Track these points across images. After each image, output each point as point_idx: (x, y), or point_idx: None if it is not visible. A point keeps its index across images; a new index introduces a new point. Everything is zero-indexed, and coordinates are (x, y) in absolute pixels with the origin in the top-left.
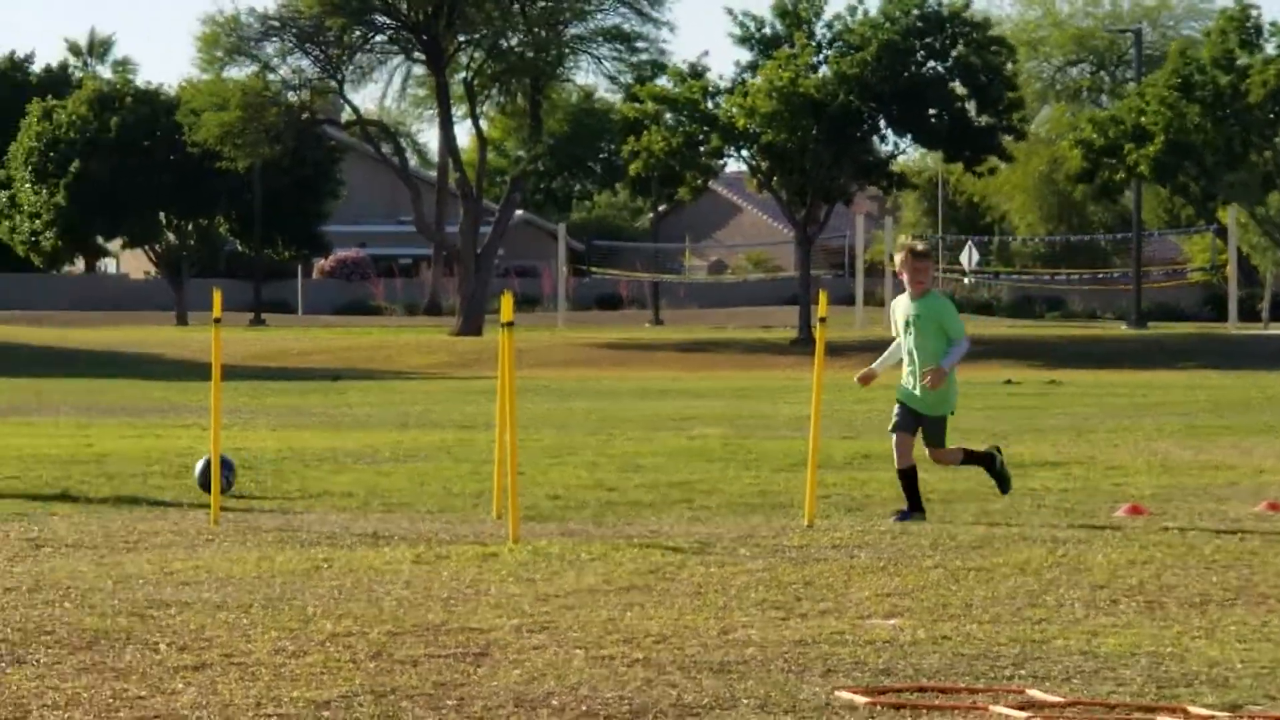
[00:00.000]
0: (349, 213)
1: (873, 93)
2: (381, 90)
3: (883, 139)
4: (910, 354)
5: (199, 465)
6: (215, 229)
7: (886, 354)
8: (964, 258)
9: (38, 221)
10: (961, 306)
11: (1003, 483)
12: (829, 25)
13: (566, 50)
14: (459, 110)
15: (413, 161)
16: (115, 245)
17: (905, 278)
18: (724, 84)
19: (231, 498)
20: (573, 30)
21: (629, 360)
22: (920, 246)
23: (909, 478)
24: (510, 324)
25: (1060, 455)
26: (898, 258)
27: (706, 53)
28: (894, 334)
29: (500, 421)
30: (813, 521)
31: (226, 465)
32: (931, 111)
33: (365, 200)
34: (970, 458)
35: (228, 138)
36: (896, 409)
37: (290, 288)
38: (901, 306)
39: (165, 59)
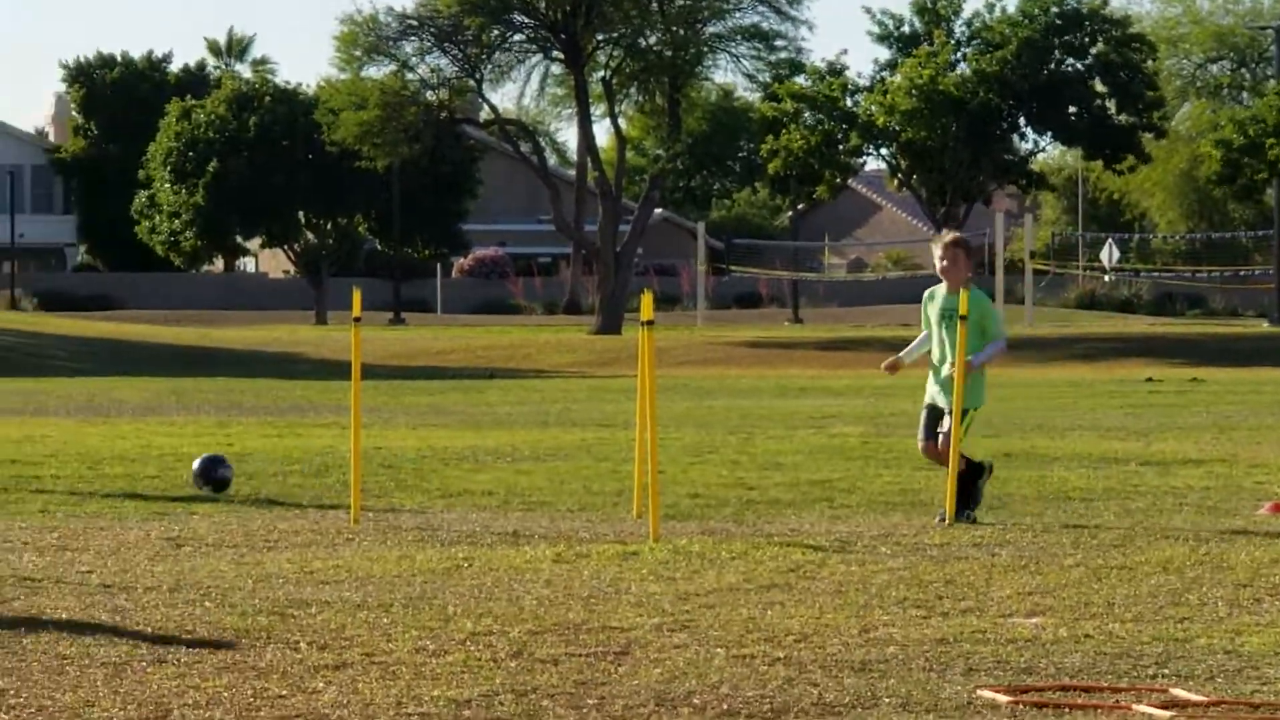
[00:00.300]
0: (488, 211)
1: (1012, 90)
2: (520, 89)
3: (1022, 137)
4: (942, 346)
5: (197, 463)
6: (354, 228)
7: (915, 344)
8: (1104, 255)
9: (177, 221)
10: (1102, 304)
11: (969, 500)
12: (968, 23)
13: (705, 49)
14: (598, 109)
15: (551, 160)
16: (254, 244)
17: (942, 269)
18: (863, 82)
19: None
20: (711, 29)
21: (768, 359)
22: (955, 236)
23: (960, 477)
24: (650, 322)
25: (1202, 453)
26: (936, 249)
27: (845, 51)
28: (924, 326)
29: (640, 420)
30: (954, 520)
31: (219, 463)
32: (1071, 109)
33: (504, 199)
34: (967, 468)
35: (366, 137)
36: (922, 415)
37: (429, 287)
38: (937, 299)
39: (303, 58)
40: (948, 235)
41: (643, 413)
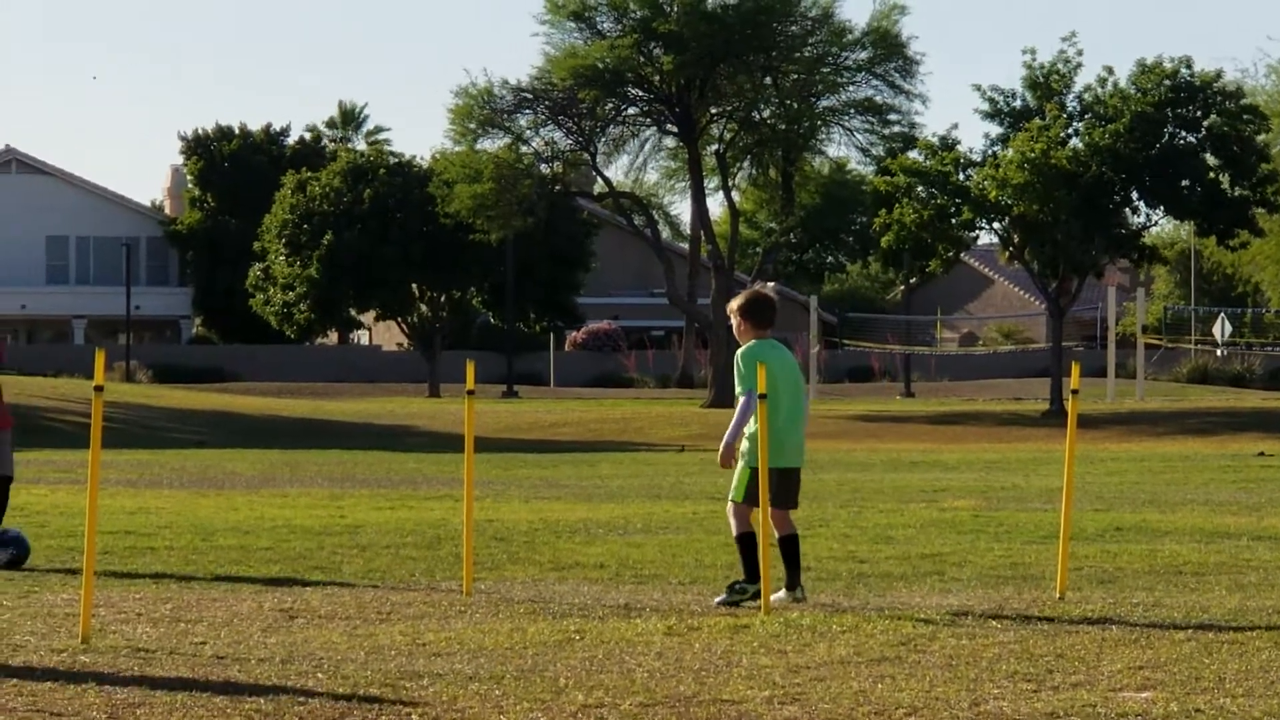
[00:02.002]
0: (601, 284)
1: (1125, 164)
2: (634, 162)
3: (1134, 211)
4: None
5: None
6: (468, 301)
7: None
8: (1216, 329)
9: (291, 293)
10: (1214, 378)
11: (737, 590)
12: (1079, 96)
13: (819, 122)
14: (711, 182)
15: (665, 233)
16: (368, 317)
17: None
18: (975, 157)
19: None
20: (825, 102)
21: (880, 432)
22: (735, 303)
23: (741, 543)
24: (764, 396)
25: None
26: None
27: (955, 125)
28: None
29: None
30: (1064, 594)
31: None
32: (1184, 183)
33: (617, 272)
34: (743, 546)
35: (480, 209)
36: None
37: (542, 360)
38: None
39: (417, 129)
40: (732, 302)
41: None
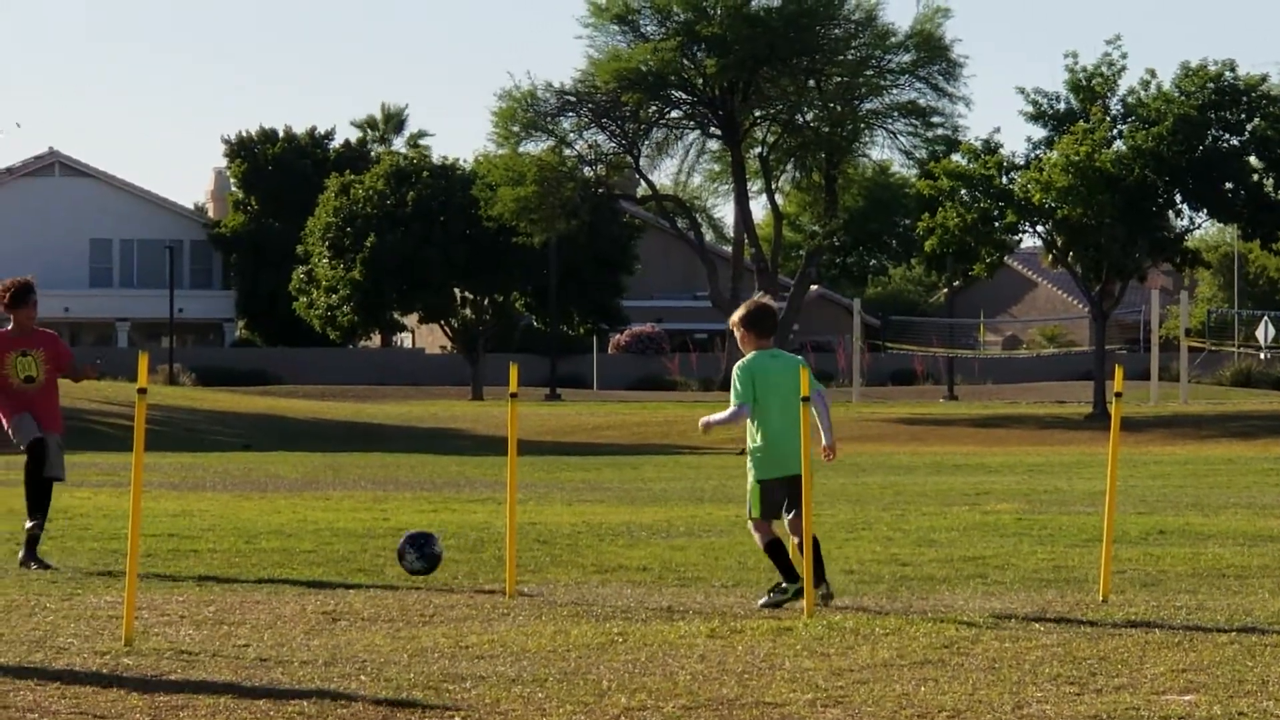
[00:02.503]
0: (644, 287)
1: (1168, 167)
2: (677, 165)
3: (1178, 214)
4: None
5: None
6: (511, 304)
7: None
8: (1260, 333)
9: (334, 296)
10: (1258, 381)
11: (780, 591)
12: (1123, 99)
13: (862, 125)
14: (754, 185)
15: (708, 236)
16: (411, 320)
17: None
18: (1018, 160)
19: (527, 571)
20: (868, 105)
21: (923, 435)
22: (737, 315)
23: (770, 551)
24: (806, 399)
25: None
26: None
27: (998, 129)
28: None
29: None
30: (1107, 596)
31: (427, 539)
32: (1227, 186)
33: (661, 275)
34: (772, 554)
35: (524, 212)
36: None
37: (586, 362)
38: None
39: (460, 132)
40: (733, 314)
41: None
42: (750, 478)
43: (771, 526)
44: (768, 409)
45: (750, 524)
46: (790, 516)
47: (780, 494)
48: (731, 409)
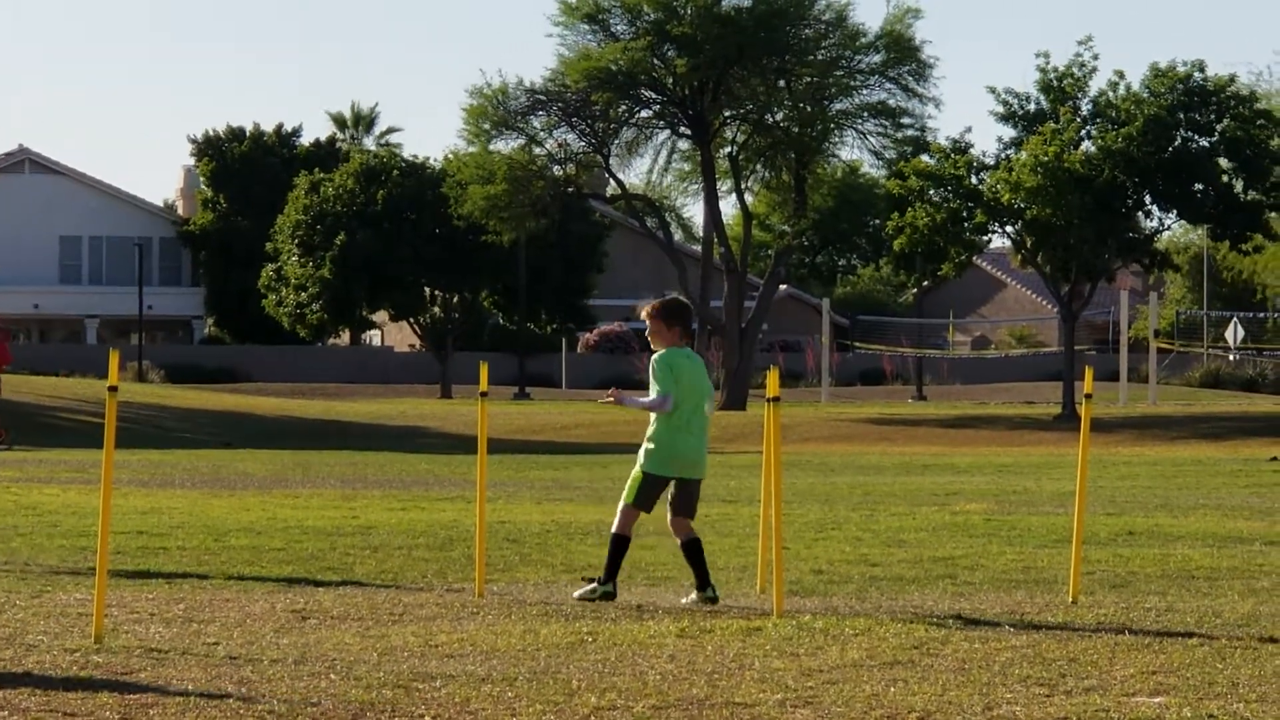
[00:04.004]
0: (613, 286)
1: (1137, 168)
2: (647, 164)
3: (1147, 215)
4: None
5: None
6: (480, 302)
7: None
8: (1229, 334)
9: (304, 294)
10: (1226, 383)
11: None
12: (1093, 100)
13: (832, 126)
14: (724, 185)
15: (677, 236)
16: (380, 318)
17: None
18: (988, 160)
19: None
20: (838, 105)
21: (892, 435)
22: (649, 307)
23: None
24: (776, 399)
25: None
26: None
27: (969, 129)
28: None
29: (765, 496)
30: (1077, 598)
31: None
32: (1197, 187)
33: (630, 274)
34: (614, 546)
35: (493, 211)
36: None
37: (554, 361)
38: None
39: (430, 130)
40: (645, 306)
41: (767, 489)
42: (638, 467)
43: (634, 523)
44: (678, 407)
45: (621, 508)
46: (678, 517)
47: (660, 491)
48: (655, 397)
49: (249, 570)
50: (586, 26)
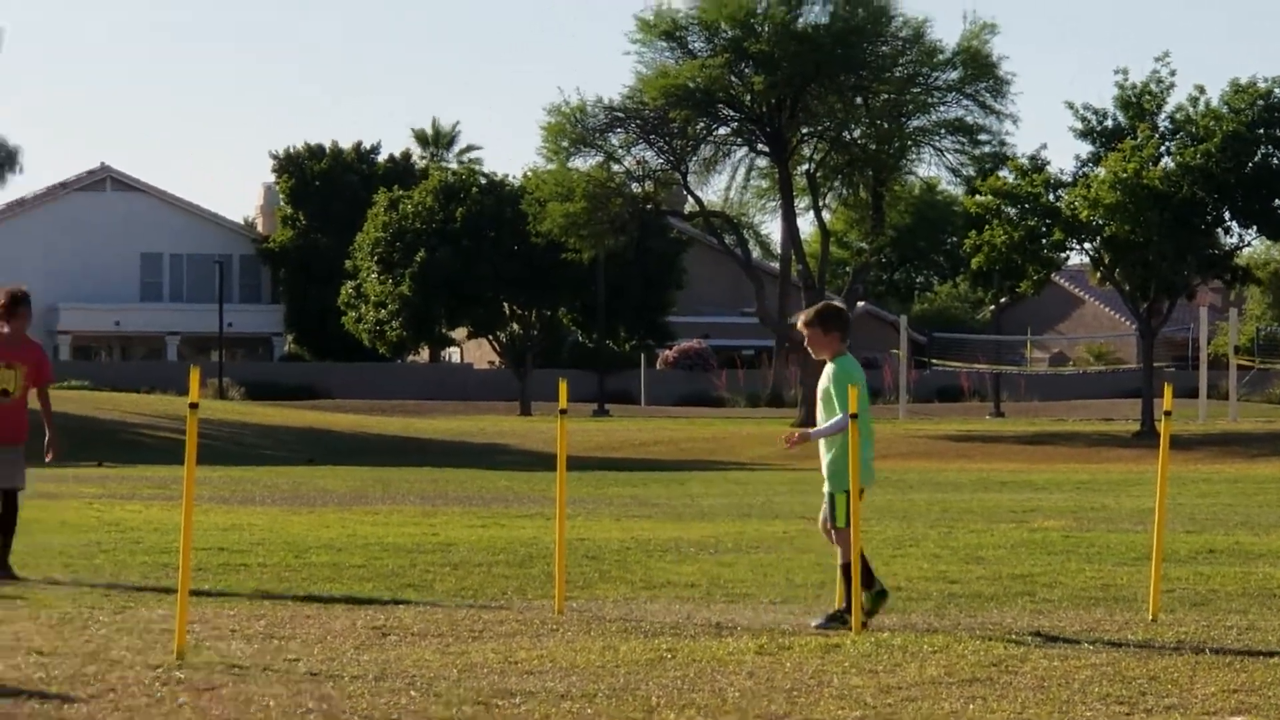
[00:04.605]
0: (692, 303)
1: (1216, 184)
2: (725, 181)
3: (1227, 231)
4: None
5: None
6: (559, 319)
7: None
8: None
9: (383, 311)
10: None
11: (856, 612)
12: (1171, 116)
13: (909, 142)
14: (801, 202)
15: (755, 253)
16: (459, 335)
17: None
18: (1065, 177)
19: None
20: (915, 122)
21: (970, 452)
22: (805, 316)
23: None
24: (854, 416)
25: None
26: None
27: (1044, 145)
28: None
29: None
30: (1157, 615)
31: None
32: (1277, 202)
33: (708, 291)
34: (863, 570)
35: (572, 228)
36: None
37: (633, 378)
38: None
39: (509, 147)
40: (801, 315)
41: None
42: (837, 486)
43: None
44: (864, 417)
45: (835, 535)
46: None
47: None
48: (838, 419)
49: (329, 587)
50: (664, 44)
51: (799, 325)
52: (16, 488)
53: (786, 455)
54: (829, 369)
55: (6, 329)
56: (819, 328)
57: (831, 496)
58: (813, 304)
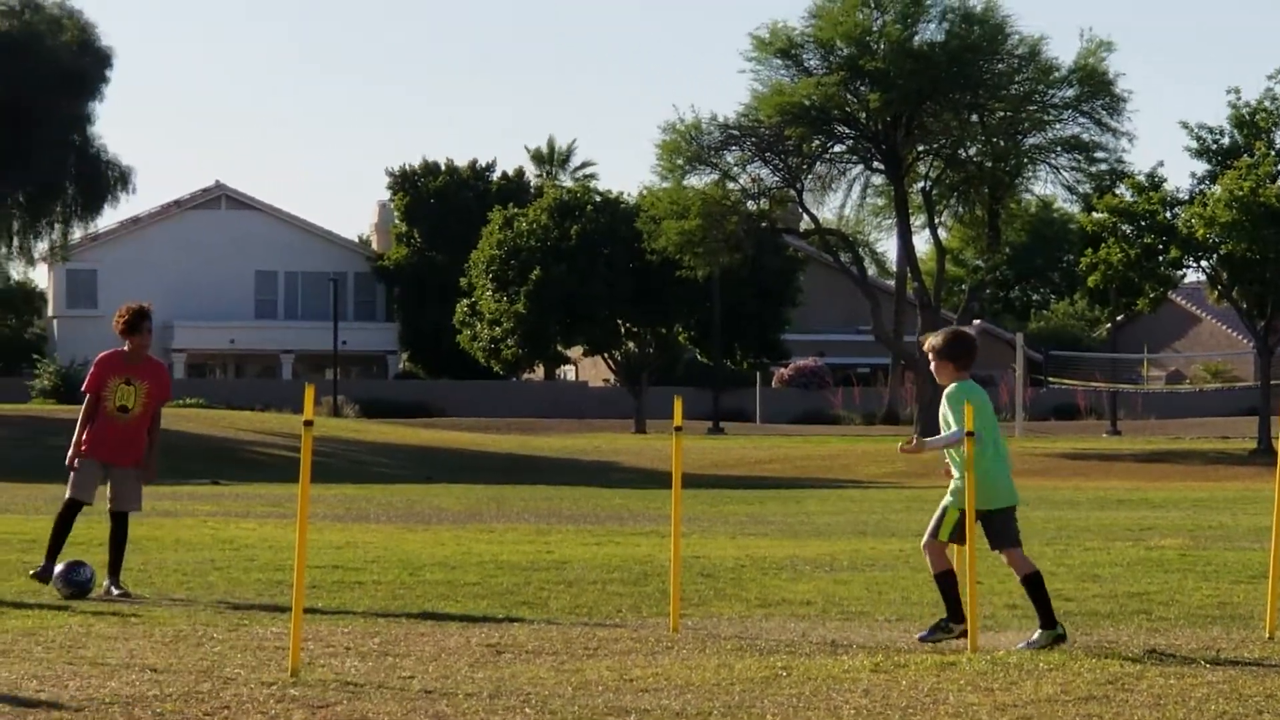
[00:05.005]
0: (807, 321)
1: None
2: (840, 199)
3: None
4: None
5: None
6: (674, 337)
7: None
8: None
9: (498, 329)
10: None
11: (1047, 635)
12: None
13: (1025, 160)
14: (917, 219)
15: (871, 270)
16: (575, 353)
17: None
18: (1182, 195)
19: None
20: (1031, 140)
21: (1086, 470)
22: (931, 343)
23: (941, 581)
24: (970, 434)
25: None
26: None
27: (1161, 163)
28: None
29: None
30: (1274, 634)
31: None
32: None
33: (823, 309)
34: (1033, 584)
35: (687, 246)
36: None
37: (749, 396)
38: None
39: (624, 165)
40: (926, 340)
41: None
42: (950, 500)
43: (945, 554)
44: (984, 439)
45: (928, 544)
46: (1013, 551)
47: (994, 523)
48: (954, 431)
49: (444, 605)
50: (779, 62)
51: (926, 349)
52: (130, 511)
53: (903, 473)
54: (946, 393)
55: (127, 346)
56: (944, 359)
57: (986, 514)
58: (929, 322)
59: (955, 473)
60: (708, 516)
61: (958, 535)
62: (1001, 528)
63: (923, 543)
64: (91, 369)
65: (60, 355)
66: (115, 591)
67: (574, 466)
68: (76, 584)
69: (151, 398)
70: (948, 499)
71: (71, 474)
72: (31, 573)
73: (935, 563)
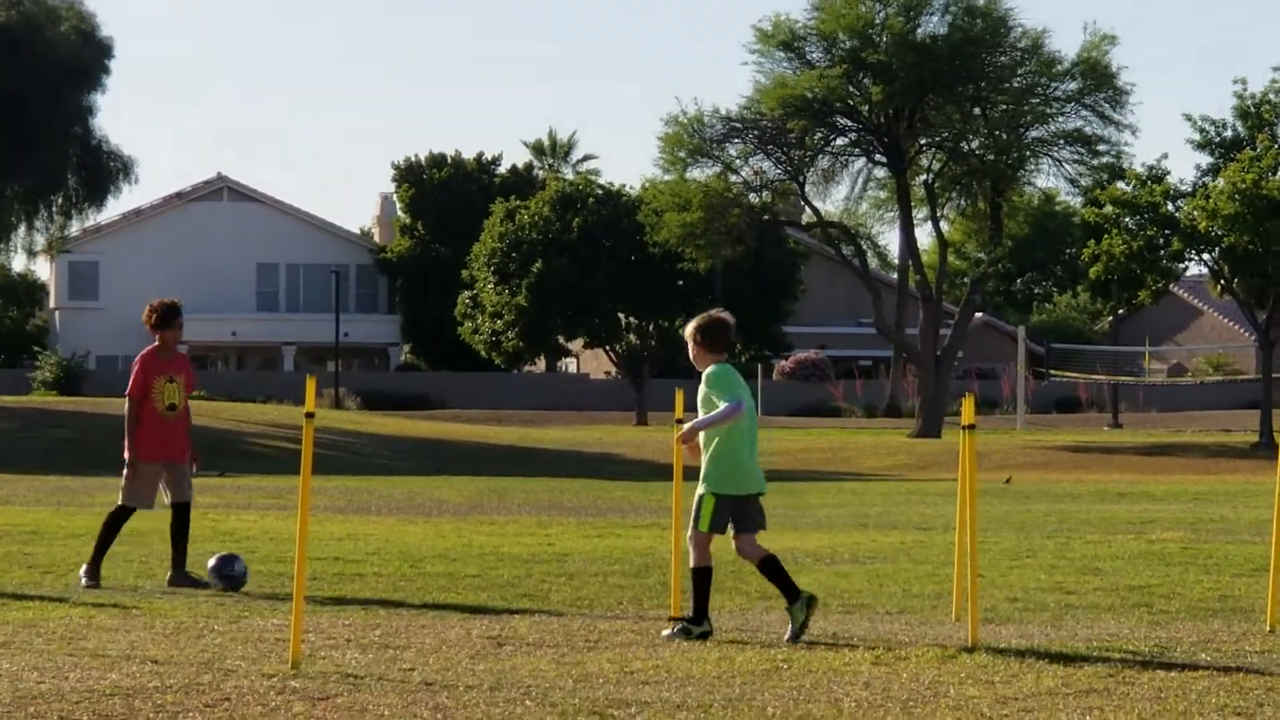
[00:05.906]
0: (809, 314)
1: None
2: (842, 192)
3: None
4: None
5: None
6: (676, 329)
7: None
8: None
9: (499, 321)
10: None
11: (797, 626)
12: None
13: (1028, 153)
14: (919, 212)
15: (873, 263)
16: (576, 345)
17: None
18: (1184, 187)
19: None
20: (1034, 133)
21: (1087, 463)
22: (690, 328)
23: (697, 576)
24: (972, 426)
25: None
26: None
27: (1165, 155)
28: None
29: (960, 523)
30: (1275, 627)
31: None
32: None
33: (825, 301)
34: (770, 568)
35: (689, 238)
36: None
37: (750, 388)
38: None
39: (626, 158)
40: (688, 326)
41: (963, 516)
42: (704, 488)
43: (710, 549)
44: (738, 426)
45: (691, 536)
46: (741, 537)
47: (730, 512)
48: (725, 407)
49: (445, 597)
50: (782, 54)
51: (687, 334)
52: (188, 501)
53: (904, 465)
54: (705, 375)
55: (158, 341)
56: (699, 345)
57: (714, 498)
58: (930, 316)
59: (705, 454)
60: None
61: (714, 524)
62: (757, 514)
63: (688, 534)
64: (135, 372)
65: (62, 347)
66: (191, 581)
67: (575, 459)
68: (229, 578)
69: (188, 389)
70: (701, 488)
71: (126, 480)
72: (85, 583)
73: (698, 556)
